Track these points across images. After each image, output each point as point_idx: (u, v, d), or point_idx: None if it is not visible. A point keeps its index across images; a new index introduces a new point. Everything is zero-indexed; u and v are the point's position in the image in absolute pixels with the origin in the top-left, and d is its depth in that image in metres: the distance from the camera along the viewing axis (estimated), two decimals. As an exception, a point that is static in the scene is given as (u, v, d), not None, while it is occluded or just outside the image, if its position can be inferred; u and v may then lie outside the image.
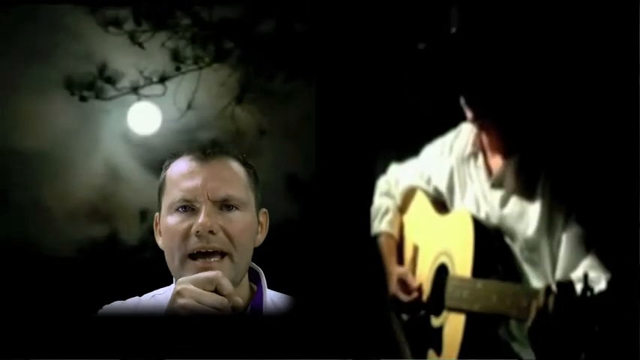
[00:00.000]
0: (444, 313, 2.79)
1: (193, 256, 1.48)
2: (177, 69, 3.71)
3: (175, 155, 1.57)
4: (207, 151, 1.54)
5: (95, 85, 3.62)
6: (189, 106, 3.71)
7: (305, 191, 3.60)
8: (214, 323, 1.35)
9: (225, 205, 1.50)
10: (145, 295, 1.58)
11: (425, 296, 2.89)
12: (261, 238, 1.58)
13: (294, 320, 1.53)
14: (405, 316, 2.94)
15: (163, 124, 3.73)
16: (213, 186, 1.49)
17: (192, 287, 1.36)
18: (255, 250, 1.57)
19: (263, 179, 1.62)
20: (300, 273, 3.27)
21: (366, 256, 3.09)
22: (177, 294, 1.36)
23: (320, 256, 3.29)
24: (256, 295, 1.55)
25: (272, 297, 1.57)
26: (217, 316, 1.35)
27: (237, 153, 1.57)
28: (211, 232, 1.46)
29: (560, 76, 2.77)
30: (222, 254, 1.48)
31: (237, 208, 1.50)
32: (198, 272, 1.44)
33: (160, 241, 1.55)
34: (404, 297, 2.92)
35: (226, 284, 1.37)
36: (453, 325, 2.74)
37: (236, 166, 1.55)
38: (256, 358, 1.45)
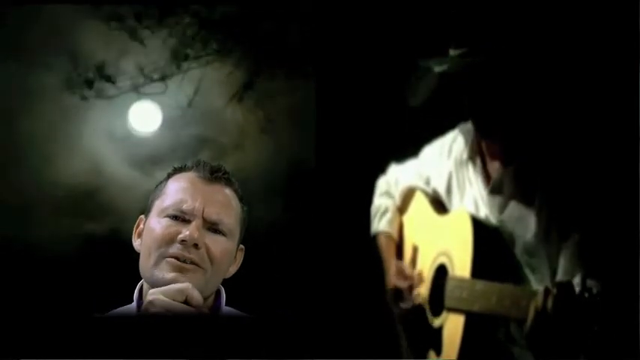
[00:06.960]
0: (444, 314, 2.78)
1: (170, 259, 1.54)
2: (179, 67, 3.70)
3: (183, 168, 1.65)
4: (214, 174, 1.62)
5: (94, 85, 3.62)
6: (189, 105, 3.71)
7: (305, 190, 3.59)
8: (174, 325, 1.41)
9: (214, 228, 1.57)
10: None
11: (423, 284, 2.88)
12: (232, 270, 1.64)
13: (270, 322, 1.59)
14: (403, 305, 2.92)
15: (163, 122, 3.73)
16: (210, 207, 1.57)
17: (162, 298, 1.42)
18: (256, 247, 1.63)
19: (263, 177, 1.69)
20: (299, 271, 3.28)
21: (365, 256, 3.09)
22: (150, 303, 1.43)
23: (319, 255, 3.29)
24: (212, 310, 1.60)
25: (230, 313, 1.63)
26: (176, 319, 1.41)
27: (237, 187, 1.65)
28: (196, 245, 1.53)
29: (558, 85, 2.77)
30: (198, 267, 1.54)
31: (223, 234, 1.58)
32: (171, 270, 1.51)
33: (137, 243, 1.61)
34: (401, 283, 2.91)
35: (196, 296, 1.44)
36: (452, 326, 2.74)
37: (234, 198, 1.63)
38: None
